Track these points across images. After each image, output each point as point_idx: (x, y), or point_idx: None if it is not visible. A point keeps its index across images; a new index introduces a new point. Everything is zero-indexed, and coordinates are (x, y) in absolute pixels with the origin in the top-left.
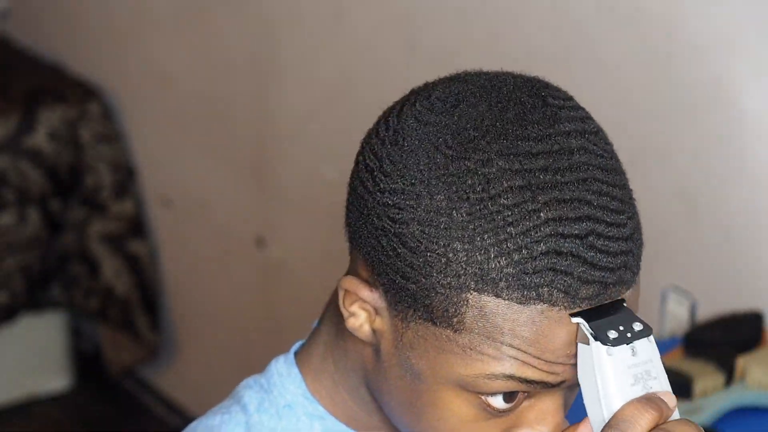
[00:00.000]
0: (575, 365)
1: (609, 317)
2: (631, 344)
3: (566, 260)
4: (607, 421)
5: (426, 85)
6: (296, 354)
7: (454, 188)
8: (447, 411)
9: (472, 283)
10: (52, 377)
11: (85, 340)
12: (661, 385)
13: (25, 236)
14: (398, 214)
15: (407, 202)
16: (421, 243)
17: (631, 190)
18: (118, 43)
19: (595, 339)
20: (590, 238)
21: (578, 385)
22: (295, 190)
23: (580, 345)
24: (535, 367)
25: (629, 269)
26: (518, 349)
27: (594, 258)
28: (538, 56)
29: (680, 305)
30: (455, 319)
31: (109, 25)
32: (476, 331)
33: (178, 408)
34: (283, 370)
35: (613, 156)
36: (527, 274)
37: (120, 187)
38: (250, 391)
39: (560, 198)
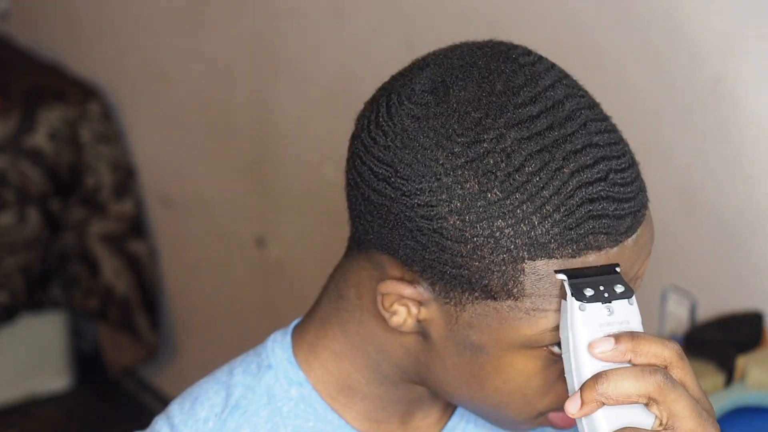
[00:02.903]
0: None
1: (596, 277)
2: (607, 303)
3: (600, 204)
4: (575, 372)
5: (402, 80)
6: (294, 328)
7: (480, 171)
8: (513, 371)
9: (525, 253)
10: (52, 377)
11: (85, 340)
12: None
13: (25, 236)
14: (432, 211)
15: (439, 198)
16: (465, 231)
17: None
18: (117, 43)
19: (572, 295)
20: (611, 176)
21: None
22: (295, 190)
23: (562, 300)
24: None
25: (642, 190)
26: None
27: (619, 193)
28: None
29: (680, 305)
30: (515, 290)
31: (108, 25)
32: (537, 293)
33: None
34: (279, 338)
35: (586, 91)
36: (571, 229)
37: (120, 187)
38: (243, 356)
39: (573, 149)
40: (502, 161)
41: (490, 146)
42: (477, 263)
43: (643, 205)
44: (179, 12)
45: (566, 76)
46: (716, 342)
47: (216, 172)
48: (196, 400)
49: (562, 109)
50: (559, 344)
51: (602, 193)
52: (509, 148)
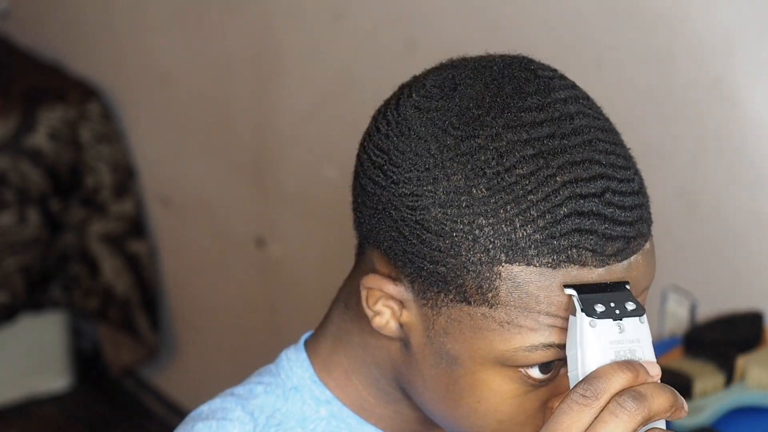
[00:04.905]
0: None
1: (606, 293)
2: (618, 321)
3: (589, 219)
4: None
5: (416, 78)
6: (306, 343)
7: (469, 166)
8: (487, 391)
9: (503, 255)
10: (52, 377)
11: (85, 340)
12: None
13: (25, 236)
14: (417, 201)
15: (425, 188)
16: (446, 225)
17: (629, 147)
18: (118, 43)
19: (582, 311)
20: (607, 195)
21: None
22: (295, 190)
23: (570, 316)
24: None
25: (645, 222)
26: (554, 316)
27: (614, 214)
28: (537, 56)
29: (680, 305)
30: (490, 294)
31: (109, 25)
32: (512, 303)
33: (178, 408)
34: (292, 356)
35: (607, 118)
36: (554, 237)
37: (120, 187)
38: (258, 377)
39: (572, 161)
40: (493, 159)
41: (484, 143)
42: (453, 260)
43: (641, 235)
44: (179, 12)
45: (586, 98)
46: (716, 342)
47: (216, 172)
48: None
49: (570, 122)
50: (545, 366)
51: (594, 209)
52: (503, 148)
